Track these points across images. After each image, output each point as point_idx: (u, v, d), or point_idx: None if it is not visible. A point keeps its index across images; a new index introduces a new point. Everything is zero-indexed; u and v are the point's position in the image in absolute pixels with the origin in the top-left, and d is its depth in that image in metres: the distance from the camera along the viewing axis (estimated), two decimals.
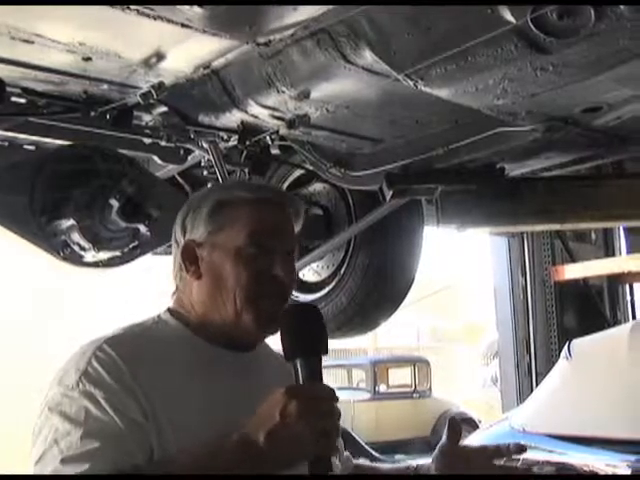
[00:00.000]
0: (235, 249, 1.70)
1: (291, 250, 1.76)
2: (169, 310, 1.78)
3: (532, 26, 1.99)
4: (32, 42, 2.25)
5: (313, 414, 1.42)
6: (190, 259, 1.73)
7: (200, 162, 3.47)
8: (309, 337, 1.55)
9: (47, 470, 1.47)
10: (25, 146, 3.20)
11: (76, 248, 3.10)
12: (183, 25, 2.10)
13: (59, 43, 2.27)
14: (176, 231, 1.79)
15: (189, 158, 3.40)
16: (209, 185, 3.42)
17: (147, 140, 3.14)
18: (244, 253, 1.69)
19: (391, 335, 24.89)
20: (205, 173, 3.56)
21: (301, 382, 1.49)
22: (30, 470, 1.53)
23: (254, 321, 1.69)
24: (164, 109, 2.92)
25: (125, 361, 1.58)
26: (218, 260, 1.71)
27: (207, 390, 1.64)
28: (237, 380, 1.69)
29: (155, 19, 2.04)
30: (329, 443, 1.44)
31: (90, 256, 3.15)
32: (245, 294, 1.68)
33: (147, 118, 3.02)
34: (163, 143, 3.09)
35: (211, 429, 1.48)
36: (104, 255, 3.13)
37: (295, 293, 3.85)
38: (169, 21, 2.06)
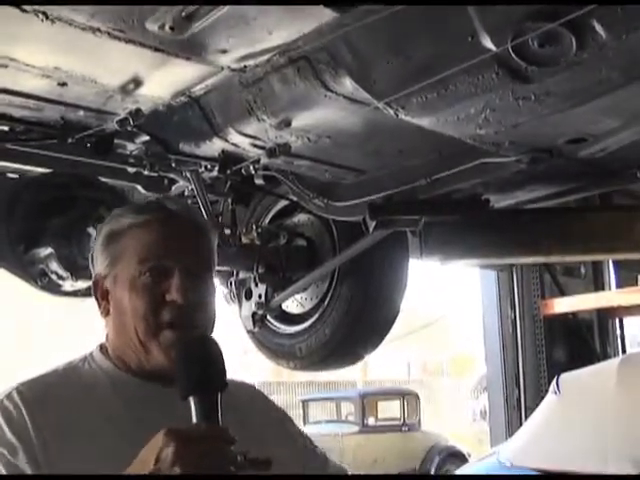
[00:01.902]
0: (129, 280, 1.61)
1: (194, 268, 1.63)
2: (100, 346, 1.71)
3: (513, 54, 1.97)
4: (6, 66, 2.22)
5: (192, 459, 1.31)
6: (101, 294, 1.67)
7: (184, 192, 3.44)
8: (204, 372, 1.44)
9: None
10: (8, 174, 3.15)
11: (54, 277, 3.07)
12: (156, 49, 2.07)
13: (34, 67, 2.24)
14: (90, 269, 1.73)
15: (173, 188, 3.36)
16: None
17: (131, 169, 3.10)
18: (138, 283, 1.60)
19: (381, 368, 24.86)
20: (189, 202, 3.52)
21: (194, 421, 1.38)
22: None
23: (161, 353, 1.58)
24: (146, 138, 2.89)
25: (29, 409, 1.53)
26: (119, 293, 1.63)
27: (119, 427, 1.54)
28: (157, 415, 1.50)
29: (127, 42, 2.01)
30: None
31: (68, 285, 3.10)
32: (144, 327, 1.58)
33: (130, 147, 2.99)
34: (146, 172, 3.04)
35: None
36: (83, 284, 3.08)
37: (278, 325, 3.82)
38: (141, 44, 2.03)
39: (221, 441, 1.35)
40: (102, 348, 1.70)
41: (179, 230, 1.65)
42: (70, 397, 1.59)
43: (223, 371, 1.47)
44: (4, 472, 1.45)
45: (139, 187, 3.27)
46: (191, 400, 1.40)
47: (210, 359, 1.47)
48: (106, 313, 1.67)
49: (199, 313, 1.63)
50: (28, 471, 1.46)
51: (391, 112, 2.31)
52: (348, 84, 2.26)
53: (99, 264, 1.67)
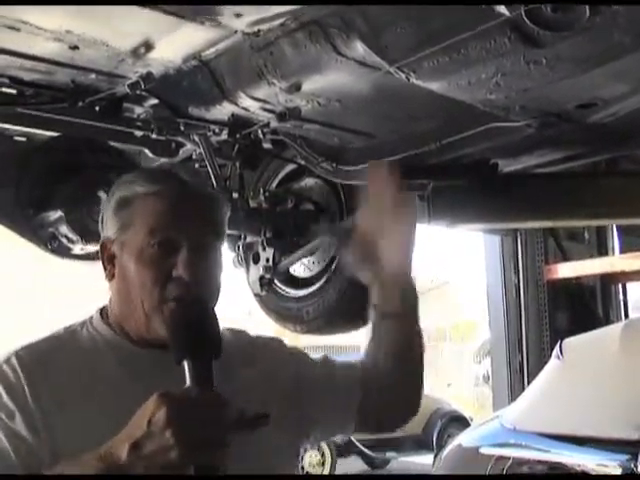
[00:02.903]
0: (137, 250, 1.59)
1: (202, 241, 1.62)
2: (100, 310, 1.70)
3: (526, 19, 1.97)
4: (18, 29, 2.22)
5: (185, 423, 1.30)
6: (108, 258, 1.66)
7: (192, 155, 3.44)
8: (198, 336, 1.44)
9: None
10: (15, 138, 3.16)
11: (64, 240, 3.08)
12: (170, 13, 2.07)
13: (45, 31, 2.24)
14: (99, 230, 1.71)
15: (181, 151, 3.36)
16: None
17: (138, 133, 3.10)
18: (146, 254, 1.58)
19: None
20: (196, 166, 3.53)
21: (187, 385, 1.38)
22: None
23: (163, 325, 1.56)
24: (155, 101, 2.89)
25: (27, 373, 1.53)
26: (126, 260, 1.61)
27: (120, 393, 1.54)
28: (157, 381, 1.44)
29: (140, 5, 2.00)
30: (210, 454, 1.33)
31: (78, 248, 3.12)
32: (149, 299, 1.57)
33: (138, 110, 2.98)
34: (154, 136, 3.04)
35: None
36: (93, 247, 3.09)
37: (285, 288, 3.83)
38: (154, 8, 2.03)
39: (214, 406, 1.34)
40: (102, 313, 1.69)
41: (191, 202, 1.63)
42: (69, 363, 1.59)
43: (218, 337, 1.48)
44: (2, 436, 1.46)
45: (147, 151, 3.27)
46: (185, 364, 1.40)
47: (205, 324, 1.48)
48: (111, 277, 1.66)
49: (205, 288, 1.62)
50: (27, 436, 1.46)
51: (402, 76, 2.31)
52: (360, 48, 2.25)
53: (109, 228, 1.66)
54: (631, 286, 7.69)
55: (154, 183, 1.64)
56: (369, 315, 1.89)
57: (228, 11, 2.14)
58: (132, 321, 1.62)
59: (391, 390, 1.85)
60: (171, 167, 2.53)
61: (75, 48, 2.38)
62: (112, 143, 3.15)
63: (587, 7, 1.93)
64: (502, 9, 1.95)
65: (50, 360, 1.58)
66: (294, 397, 1.74)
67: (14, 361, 1.55)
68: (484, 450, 4.95)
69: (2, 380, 1.52)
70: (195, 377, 1.38)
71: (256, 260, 3.76)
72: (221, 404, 1.35)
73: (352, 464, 14.53)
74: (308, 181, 3.69)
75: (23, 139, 3.15)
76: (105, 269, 1.67)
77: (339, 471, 13.76)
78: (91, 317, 1.70)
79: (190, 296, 1.57)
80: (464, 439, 5.53)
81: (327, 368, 1.87)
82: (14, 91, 2.73)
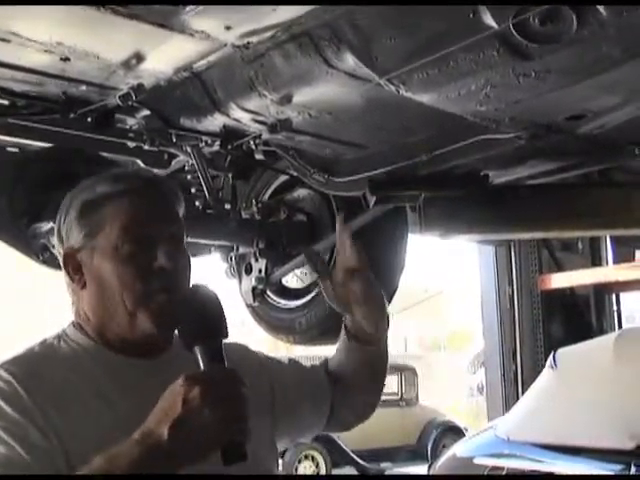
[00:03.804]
0: (112, 250, 1.60)
1: (174, 233, 1.66)
2: (72, 323, 1.69)
3: (514, 31, 1.97)
4: (8, 41, 2.22)
5: (217, 399, 1.35)
6: (73, 267, 1.64)
7: (184, 167, 3.45)
8: (205, 321, 1.48)
9: None
10: (8, 148, 3.16)
11: (55, 252, 3.07)
12: (160, 25, 2.08)
13: (36, 42, 2.24)
14: (55, 242, 1.69)
15: (173, 162, 3.37)
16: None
17: (131, 144, 3.11)
18: (122, 252, 1.59)
19: None
20: (189, 178, 3.53)
21: (206, 367, 1.42)
22: None
23: (150, 321, 1.59)
24: (147, 112, 2.89)
25: (22, 383, 1.52)
26: (99, 264, 1.61)
27: (111, 402, 1.55)
28: (144, 389, 1.51)
29: (130, 18, 2.01)
30: (240, 428, 1.37)
31: None
32: (133, 295, 1.59)
33: (131, 122, 2.99)
34: (146, 147, 3.04)
35: (115, 441, 1.39)
36: None
37: (278, 299, 3.83)
38: (144, 20, 2.03)
39: (236, 382, 1.39)
40: (75, 325, 1.68)
41: (158, 198, 1.67)
42: (56, 371, 1.58)
43: (224, 319, 1.51)
44: (20, 450, 1.44)
45: (139, 161, 3.28)
46: (197, 350, 1.44)
47: (211, 307, 1.51)
48: (82, 286, 1.64)
49: (184, 277, 1.65)
50: (41, 444, 1.45)
51: (392, 88, 2.32)
52: (350, 60, 2.26)
53: (72, 236, 1.64)
54: (624, 296, 7.71)
55: (118, 183, 1.66)
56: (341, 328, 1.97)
57: (216, 24, 2.14)
58: (113, 325, 1.62)
59: (351, 395, 1.99)
60: (129, 169, 2.55)
61: (66, 60, 2.38)
62: (105, 154, 3.15)
63: (574, 19, 1.93)
64: (490, 21, 1.97)
65: (38, 370, 1.57)
66: (270, 402, 1.80)
67: (4, 374, 1.53)
68: (478, 460, 4.95)
69: (1, 394, 1.50)
70: (209, 359, 1.43)
71: (248, 271, 3.77)
72: (241, 380, 1.40)
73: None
74: (301, 192, 3.69)
75: (15, 150, 3.15)
76: (72, 280, 1.65)
77: None
78: (64, 331, 1.68)
79: (175, 285, 1.60)
80: (458, 449, 5.53)
81: (297, 374, 1.97)
82: (6, 102, 2.74)
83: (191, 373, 1.38)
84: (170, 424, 1.33)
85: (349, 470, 14.30)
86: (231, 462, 1.38)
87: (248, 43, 2.32)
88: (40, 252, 3.07)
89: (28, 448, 1.44)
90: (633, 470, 3.87)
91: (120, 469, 1.34)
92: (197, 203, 3.37)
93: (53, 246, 3.01)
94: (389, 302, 3.68)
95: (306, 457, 13.47)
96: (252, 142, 2.98)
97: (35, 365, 1.59)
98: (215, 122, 2.85)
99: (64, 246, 1.66)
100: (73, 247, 1.64)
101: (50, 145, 3.04)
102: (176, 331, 1.55)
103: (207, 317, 1.49)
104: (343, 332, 1.96)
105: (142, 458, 1.34)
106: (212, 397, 1.35)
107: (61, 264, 1.67)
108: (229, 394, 1.37)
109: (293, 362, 2.02)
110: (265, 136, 2.88)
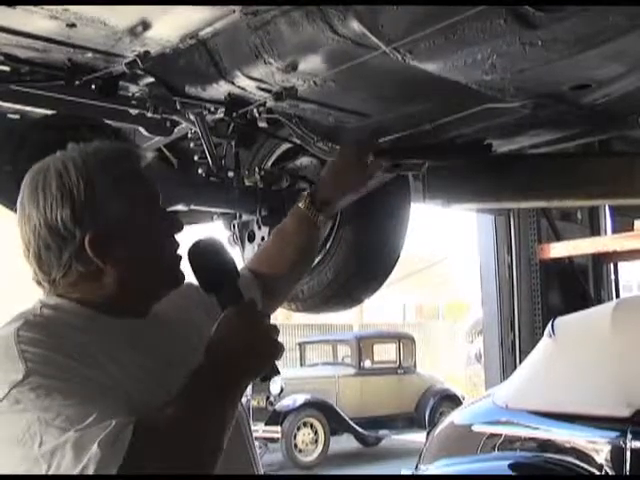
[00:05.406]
0: (147, 221, 1.73)
1: None
2: (58, 295, 1.69)
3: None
4: (14, 6, 2.21)
5: (271, 328, 1.63)
6: (100, 250, 1.66)
7: (187, 134, 3.45)
8: (219, 267, 1.72)
9: (84, 454, 1.37)
10: (9, 115, 3.15)
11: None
12: None
13: (42, 8, 2.23)
14: (65, 222, 1.65)
15: (175, 130, 3.37)
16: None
17: (133, 111, 3.10)
18: (153, 227, 1.74)
19: (377, 311, 25.00)
20: (192, 145, 3.53)
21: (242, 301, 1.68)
22: None
23: (177, 280, 1.79)
24: (150, 79, 2.89)
25: (53, 339, 1.55)
26: (134, 240, 1.71)
27: (131, 359, 1.62)
28: (150, 343, 1.71)
29: None
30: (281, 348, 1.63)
31: None
32: (168, 262, 1.77)
33: (134, 89, 2.98)
34: (149, 114, 3.04)
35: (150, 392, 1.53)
36: None
37: None
38: None
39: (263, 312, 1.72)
40: (64, 296, 1.69)
41: (145, 169, 1.84)
42: (70, 333, 1.59)
43: (234, 261, 1.77)
44: (97, 392, 1.48)
45: (141, 129, 3.28)
46: (221, 292, 1.70)
47: (224, 254, 1.77)
48: (110, 265, 1.67)
49: None
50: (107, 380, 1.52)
51: (398, 57, 2.32)
52: (356, 28, 2.25)
53: (101, 218, 1.66)
54: (622, 266, 7.74)
55: (121, 162, 1.78)
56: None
57: None
58: (136, 293, 1.73)
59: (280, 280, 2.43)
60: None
61: (72, 26, 2.37)
62: (109, 121, 3.15)
63: None
64: None
65: (55, 331, 1.59)
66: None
67: (28, 334, 1.54)
68: (476, 428, 5.00)
69: (41, 347, 1.51)
70: (232, 298, 1.68)
71: (251, 239, 3.77)
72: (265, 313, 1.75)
73: (345, 442, 14.63)
74: (303, 160, 3.69)
75: (17, 116, 3.14)
76: (105, 263, 1.67)
77: (332, 449, 13.86)
78: (43, 303, 1.68)
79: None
80: (456, 417, 5.58)
81: None
82: (8, 68, 2.73)
83: (243, 307, 1.65)
84: (247, 342, 1.57)
85: (347, 437, 14.41)
86: (271, 378, 1.66)
87: (257, 11, 2.31)
88: None
89: (95, 385, 1.50)
90: (629, 437, 3.91)
91: (212, 383, 1.52)
92: (200, 171, 3.37)
93: None
94: (392, 270, 3.71)
95: (305, 424, 13.58)
96: (256, 110, 2.98)
97: (45, 329, 1.58)
98: (220, 90, 2.85)
99: (83, 228, 1.65)
100: (101, 230, 1.66)
101: (52, 112, 3.04)
102: None
103: (223, 263, 1.74)
104: (301, 205, 2.48)
105: (223, 375, 1.54)
106: (263, 319, 1.63)
107: (73, 249, 1.65)
108: (267, 321, 1.65)
109: None
110: (270, 104, 2.88)
